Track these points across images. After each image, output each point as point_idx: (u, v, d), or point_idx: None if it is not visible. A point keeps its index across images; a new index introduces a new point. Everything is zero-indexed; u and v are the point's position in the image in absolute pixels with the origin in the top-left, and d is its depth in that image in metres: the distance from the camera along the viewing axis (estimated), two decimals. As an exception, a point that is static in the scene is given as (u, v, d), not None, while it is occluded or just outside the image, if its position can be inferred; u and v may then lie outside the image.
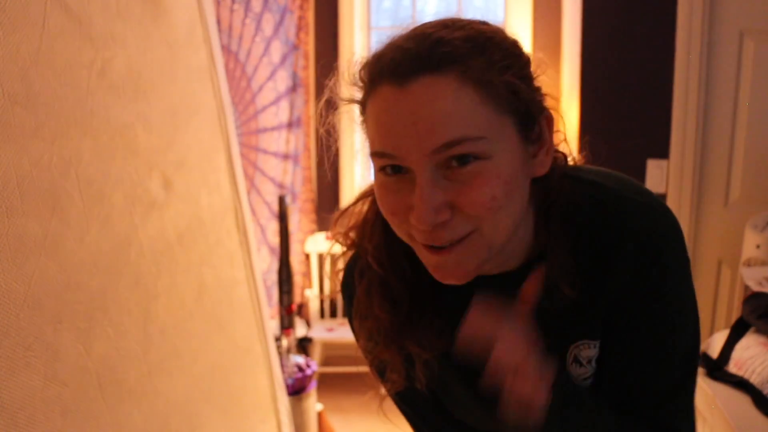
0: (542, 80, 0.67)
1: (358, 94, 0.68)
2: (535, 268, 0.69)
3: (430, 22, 0.64)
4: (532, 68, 0.66)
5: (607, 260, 0.68)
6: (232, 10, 2.48)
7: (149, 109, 1.04)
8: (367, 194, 0.78)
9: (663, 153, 2.59)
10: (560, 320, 0.71)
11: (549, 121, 0.67)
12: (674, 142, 2.57)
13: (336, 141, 0.74)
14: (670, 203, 2.55)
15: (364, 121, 0.67)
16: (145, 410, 0.98)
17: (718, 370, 1.61)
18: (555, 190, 0.69)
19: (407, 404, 0.86)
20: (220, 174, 1.30)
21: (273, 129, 2.95)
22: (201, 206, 1.20)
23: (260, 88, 2.80)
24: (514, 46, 0.65)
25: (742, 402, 1.33)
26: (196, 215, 1.18)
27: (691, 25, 2.48)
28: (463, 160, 0.60)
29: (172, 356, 1.07)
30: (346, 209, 0.78)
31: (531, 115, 0.64)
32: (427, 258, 0.65)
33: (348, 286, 0.81)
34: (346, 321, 3.39)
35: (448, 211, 0.61)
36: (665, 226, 0.68)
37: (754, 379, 1.47)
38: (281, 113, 3.04)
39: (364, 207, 0.78)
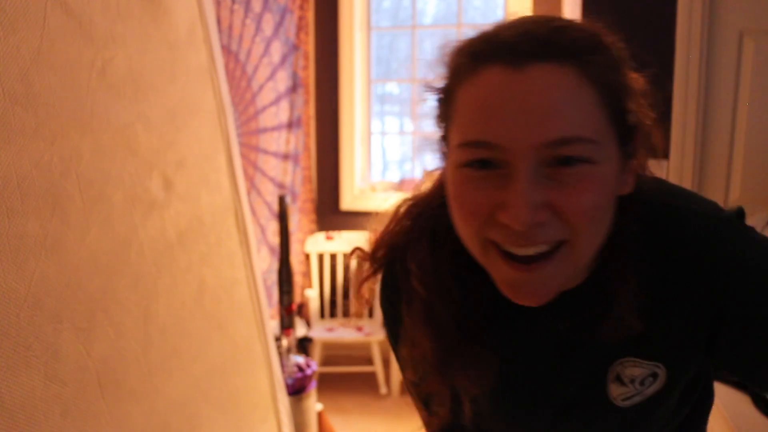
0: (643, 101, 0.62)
1: (444, 81, 0.60)
2: (592, 291, 0.64)
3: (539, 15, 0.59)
4: (640, 84, 0.61)
5: (672, 282, 0.63)
6: (232, 10, 2.48)
7: (149, 109, 1.04)
8: (399, 215, 0.72)
9: (663, 153, 2.59)
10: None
11: (642, 140, 0.62)
12: (674, 142, 2.57)
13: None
14: (670, 203, 2.55)
15: (449, 110, 0.60)
16: (145, 410, 0.98)
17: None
18: (626, 213, 0.63)
19: None
20: (220, 174, 1.30)
21: (273, 129, 2.95)
22: (201, 206, 1.20)
23: (260, 88, 2.81)
24: (626, 54, 0.61)
25: (742, 402, 1.32)
26: (196, 215, 1.18)
27: (691, 25, 2.49)
28: (570, 160, 0.54)
29: (172, 356, 1.07)
30: (384, 229, 0.72)
31: (631, 129, 0.59)
32: (504, 273, 0.58)
33: (387, 302, 0.76)
34: (345, 321, 3.37)
35: (546, 212, 0.54)
36: (722, 234, 0.63)
37: (754, 379, 1.47)
38: (281, 113, 3.04)
39: (396, 227, 0.72)
